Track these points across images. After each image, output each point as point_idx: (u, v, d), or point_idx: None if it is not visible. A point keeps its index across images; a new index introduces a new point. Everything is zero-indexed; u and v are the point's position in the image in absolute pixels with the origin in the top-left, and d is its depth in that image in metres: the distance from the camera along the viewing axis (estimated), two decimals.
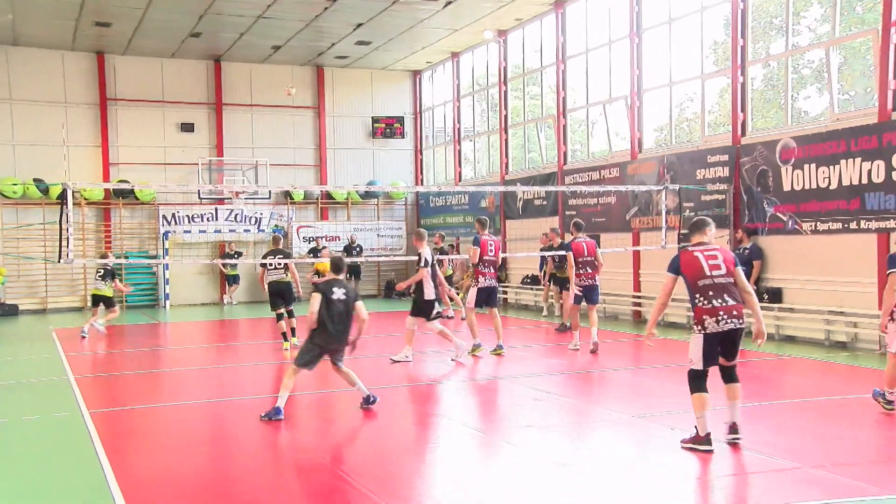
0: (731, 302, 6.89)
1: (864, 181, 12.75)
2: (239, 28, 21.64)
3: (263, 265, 13.69)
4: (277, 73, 25.80)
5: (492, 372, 11.43)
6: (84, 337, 15.67)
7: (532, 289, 21.11)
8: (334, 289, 8.46)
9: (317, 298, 8.35)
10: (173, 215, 24.37)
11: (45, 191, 22.33)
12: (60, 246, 12.10)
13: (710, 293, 6.89)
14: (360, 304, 8.55)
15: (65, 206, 12.05)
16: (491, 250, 12.49)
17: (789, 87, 15.49)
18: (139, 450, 7.62)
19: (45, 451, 7.58)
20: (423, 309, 11.91)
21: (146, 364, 13.21)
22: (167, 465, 7.02)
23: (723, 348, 6.99)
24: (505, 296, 22.11)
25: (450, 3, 19.61)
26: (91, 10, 19.69)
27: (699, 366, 6.94)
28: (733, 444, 6.95)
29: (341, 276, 8.72)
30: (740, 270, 7.07)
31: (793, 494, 5.80)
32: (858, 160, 12.85)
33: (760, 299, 14.39)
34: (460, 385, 10.82)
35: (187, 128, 24.89)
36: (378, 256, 24.78)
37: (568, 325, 15.29)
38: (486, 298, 12.58)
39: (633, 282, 17.87)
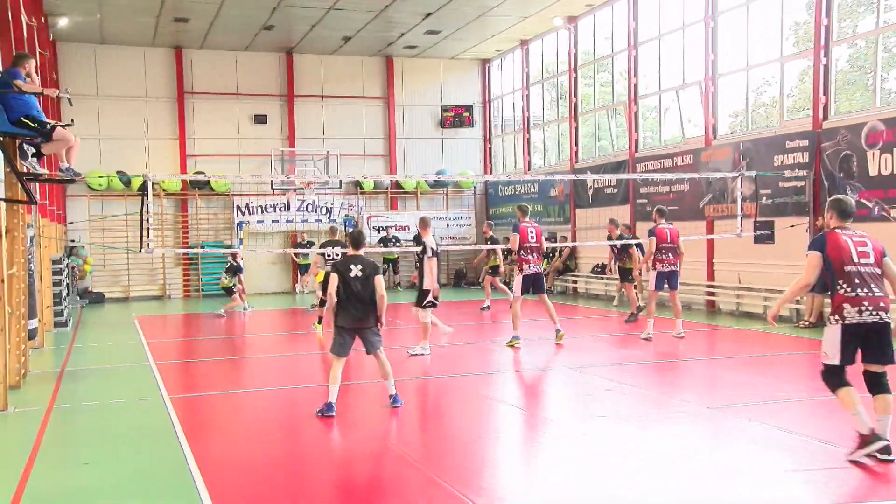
0: (878, 293, 6.21)
1: None
2: (310, 20, 21.89)
3: (321, 254, 14.04)
4: (348, 64, 26.06)
5: (562, 361, 11.33)
6: (222, 316, 17.91)
7: (602, 278, 20.83)
8: (351, 266, 8.17)
9: (332, 279, 8.17)
10: (247, 206, 24.87)
11: (128, 182, 23.02)
12: (141, 236, 12.44)
13: (856, 281, 6.19)
14: (378, 279, 8.20)
15: (145, 198, 12.38)
16: (532, 237, 12.31)
17: (878, 67, 14.80)
18: (216, 434, 7.79)
19: (130, 433, 7.81)
20: (421, 296, 11.62)
21: (222, 352, 13.51)
22: (243, 449, 7.15)
23: (866, 348, 6.21)
24: (575, 285, 21.89)
25: None
26: (170, 6, 20.18)
27: (835, 360, 6.20)
28: (889, 461, 6.02)
29: (360, 252, 8.34)
30: (890, 261, 6.36)
31: (869, 491, 5.58)
32: None
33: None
34: (529, 374, 10.75)
35: (260, 119, 25.33)
36: (448, 245, 24.81)
37: (636, 314, 15.08)
38: (533, 285, 12.39)
39: (706, 271, 17.47)
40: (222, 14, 20.90)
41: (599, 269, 21.20)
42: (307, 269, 24.73)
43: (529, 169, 25.61)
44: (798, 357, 11.43)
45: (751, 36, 16.75)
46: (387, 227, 25.61)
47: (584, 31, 22.67)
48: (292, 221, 25.23)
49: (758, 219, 15.84)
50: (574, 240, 21.86)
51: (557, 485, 5.99)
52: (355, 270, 8.15)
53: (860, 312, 6.15)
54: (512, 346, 12.16)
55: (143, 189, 12.67)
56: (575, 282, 21.91)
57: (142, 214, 12.41)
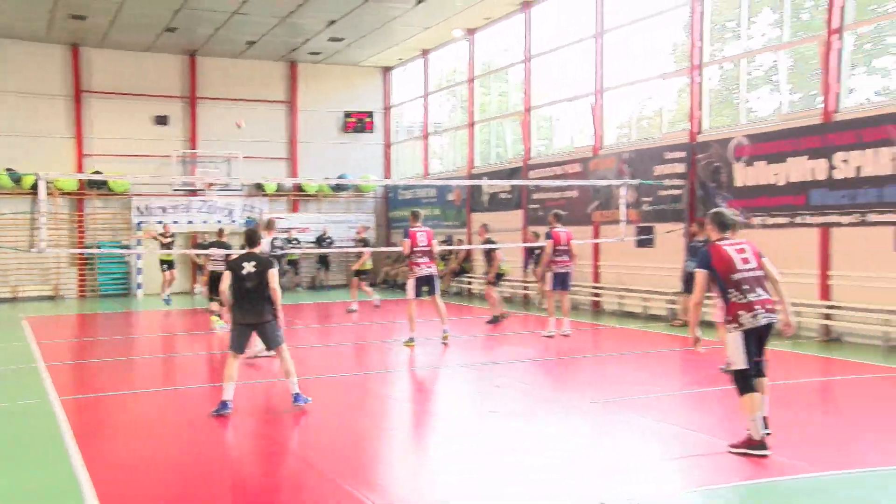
0: (765, 295, 6.57)
1: (809, 178, 13.04)
2: (214, 23, 21.48)
3: (207, 255, 14.53)
4: (252, 68, 25.68)
5: (456, 360, 11.53)
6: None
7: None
8: (244, 263, 8.17)
9: (225, 277, 8.26)
10: (147, 206, 24.19)
11: (18, 180, 22.03)
12: (32, 235, 11.95)
13: (745, 287, 6.51)
14: (271, 273, 8.14)
15: (37, 197, 11.90)
16: (423, 241, 12.28)
17: (743, 88, 15.73)
18: (108, 436, 7.61)
19: (12, 438, 7.52)
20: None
21: (116, 352, 13.12)
22: (135, 451, 7.02)
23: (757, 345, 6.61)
24: (470, 286, 22.23)
25: (421, 1, 19.61)
26: (66, 2, 19.44)
27: (742, 365, 6.47)
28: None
29: (256, 250, 8.38)
30: (767, 260, 6.75)
31: (731, 474, 5.96)
32: (804, 158, 13.13)
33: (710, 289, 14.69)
34: (424, 373, 10.91)
35: (161, 120, 24.65)
36: (348, 247, 24.76)
37: (498, 317, 15.33)
38: (426, 287, 12.35)
39: (592, 273, 18.07)
40: (123, 13, 20.27)
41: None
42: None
43: (429, 174, 25.86)
44: (672, 354, 12.01)
45: (635, 53, 17.47)
46: (289, 228, 25.35)
47: (482, 43, 23.07)
48: (193, 222, 24.68)
49: (640, 224, 16.51)
50: (470, 243, 22.19)
51: (452, 481, 6.14)
52: (248, 267, 8.13)
53: (755, 316, 6.47)
54: (408, 345, 12.23)
55: (35, 188, 12.19)
56: (470, 283, 22.24)
57: (33, 213, 11.93)
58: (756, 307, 6.48)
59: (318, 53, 25.24)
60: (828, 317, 12.78)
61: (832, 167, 12.67)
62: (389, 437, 7.61)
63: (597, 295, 17.91)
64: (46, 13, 20.31)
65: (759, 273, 6.63)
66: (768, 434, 6.48)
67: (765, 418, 6.53)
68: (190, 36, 22.82)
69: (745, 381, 6.47)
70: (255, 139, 25.62)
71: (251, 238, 8.47)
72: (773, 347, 11.84)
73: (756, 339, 6.55)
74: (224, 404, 7.95)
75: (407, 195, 26.63)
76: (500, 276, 16.06)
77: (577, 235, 16.58)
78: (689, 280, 14.90)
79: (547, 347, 12.32)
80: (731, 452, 6.44)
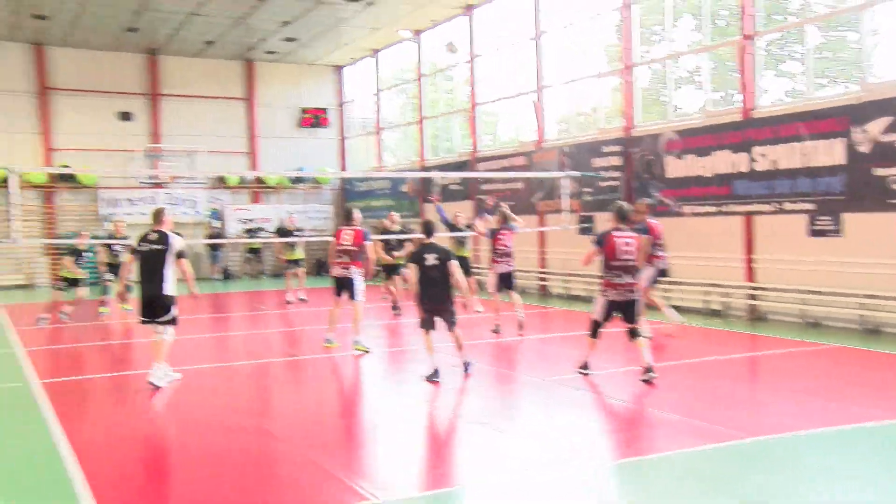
0: (629, 280, 8.02)
1: (733, 170, 13.37)
2: (173, 24, 20.95)
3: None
4: (211, 66, 25.19)
5: (416, 343, 11.53)
6: None
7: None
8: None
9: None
10: (114, 198, 23.58)
11: None
12: (10, 227, 11.55)
13: (617, 271, 8.01)
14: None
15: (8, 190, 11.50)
16: (346, 240, 10.62)
17: (670, 87, 16.03)
18: (90, 416, 7.44)
19: None
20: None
21: (94, 337, 12.78)
22: (115, 430, 6.88)
23: (624, 315, 8.15)
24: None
25: (370, 4, 19.43)
26: (27, 3, 18.72)
27: (598, 318, 8.29)
28: (650, 382, 7.86)
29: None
30: (641, 254, 8.17)
31: (671, 442, 6.13)
32: (728, 152, 13.45)
33: None
34: (385, 355, 10.90)
35: (126, 116, 24.02)
36: (307, 237, 24.50)
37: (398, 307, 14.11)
38: (342, 288, 10.67)
39: (538, 258, 18.25)
40: (85, 14, 19.63)
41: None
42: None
43: (382, 166, 25.73)
44: (614, 334, 12.18)
45: (573, 54, 17.63)
46: (250, 219, 25.03)
47: (428, 43, 22.97)
48: None
49: (581, 213, 16.71)
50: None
51: (411, 451, 6.17)
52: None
53: (617, 294, 8.09)
54: (326, 346, 10.72)
55: (5, 181, 11.77)
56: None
57: (9, 206, 11.51)
58: (620, 288, 8.04)
59: (273, 52, 24.83)
60: (753, 297, 13.16)
61: (752, 160, 13.01)
62: (352, 413, 7.61)
63: (543, 279, 18.10)
64: (9, 14, 19.54)
65: (631, 262, 8.00)
66: (654, 377, 7.86)
67: (649, 367, 7.92)
68: (151, 36, 22.21)
69: (594, 329, 8.33)
70: (217, 134, 25.17)
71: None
72: (706, 326, 12.26)
73: (618, 309, 8.12)
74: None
75: (362, 187, 26.45)
76: (393, 268, 14.44)
77: (526, 224, 16.77)
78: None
79: (501, 332, 12.41)
80: (577, 372, 8.34)
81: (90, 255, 14.61)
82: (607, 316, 8.21)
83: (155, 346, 8.18)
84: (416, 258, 8.49)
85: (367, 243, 10.72)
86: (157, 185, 24.15)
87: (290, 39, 23.09)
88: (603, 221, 15.92)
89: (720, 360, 9.69)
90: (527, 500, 4.96)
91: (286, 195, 26.61)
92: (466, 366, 8.57)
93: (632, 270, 8.02)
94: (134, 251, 8.23)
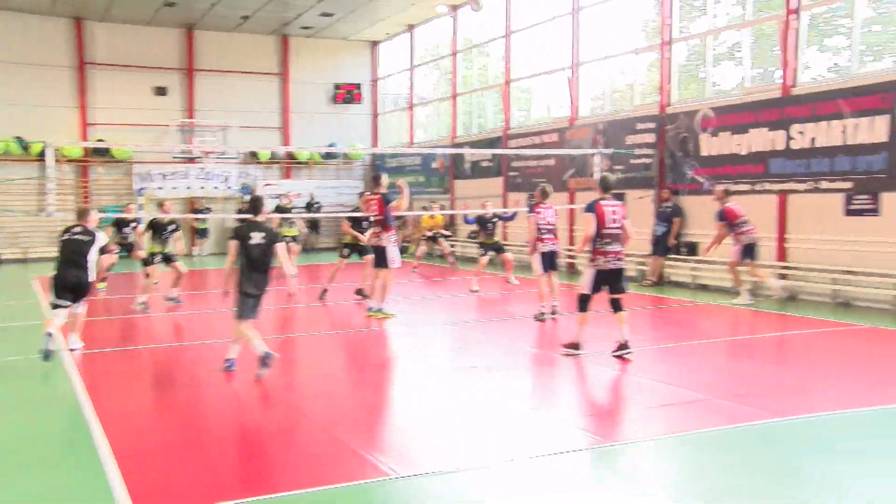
0: (618, 248, 8.15)
1: (769, 148, 13.05)
2: None
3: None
4: (247, 42, 25.28)
5: (440, 318, 11.52)
6: None
7: (476, 243, 21.26)
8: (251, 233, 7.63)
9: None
10: (148, 173, 23.88)
11: (26, 148, 21.63)
12: (42, 200, 11.77)
13: (607, 240, 8.09)
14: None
15: (45, 163, 11.70)
16: (372, 208, 11.02)
17: (709, 63, 15.65)
18: (117, 389, 7.57)
19: (28, 388, 7.48)
20: None
21: (122, 310, 12.99)
22: (143, 403, 7.00)
23: (611, 285, 8.19)
24: (454, 249, 22.19)
25: None
26: None
27: (588, 291, 8.26)
28: (624, 358, 7.96)
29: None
30: (627, 222, 8.27)
31: (700, 421, 6.03)
32: (765, 130, 13.13)
33: (678, 252, 14.77)
34: (409, 329, 10.89)
35: (161, 91, 24.25)
36: (338, 213, 24.60)
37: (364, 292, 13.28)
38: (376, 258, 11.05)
39: (568, 236, 18.08)
40: None
41: (474, 235, 21.54)
42: (204, 234, 24.21)
43: (414, 143, 25.66)
44: (643, 312, 12.06)
45: (609, 30, 17.30)
46: (280, 194, 25.11)
47: (464, 18, 22.75)
48: (191, 188, 24.42)
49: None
50: (452, 208, 22.10)
51: (435, 425, 6.16)
52: (257, 238, 7.73)
53: (607, 262, 8.08)
54: (377, 317, 10.96)
55: (42, 155, 11.96)
56: (453, 246, 22.19)
57: (41, 179, 11.73)
58: (609, 256, 8.08)
59: (309, 28, 24.81)
60: (784, 277, 12.89)
61: (790, 138, 12.68)
62: (380, 390, 7.63)
63: (572, 258, 17.93)
64: None
65: (618, 231, 8.13)
66: (630, 352, 7.96)
67: (626, 343, 8.01)
68: (188, 10, 22.33)
69: (584, 303, 8.26)
70: (250, 110, 25.30)
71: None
72: (734, 306, 12.04)
73: (606, 281, 8.13)
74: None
75: (393, 163, 26.43)
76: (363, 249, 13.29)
77: (556, 201, 16.59)
78: (657, 243, 15.03)
79: (515, 308, 12.33)
80: (562, 350, 8.29)
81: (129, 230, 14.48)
82: (597, 287, 8.20)
83: (74, 319, 8.81)
84: (240, 235, 7.60)
85: (389, 205, 10.90)
86: (190, 161, 24.40)
87: (326, 14, 23.03)
88: (632, 200, 15.70)
89: (747, 340, 9.51)
90: (552, 479, 4.90)
91: (317, 170, 26.71)
92: (264, 359, 7.39)
93: (619, 239, 8.17)
94: (61, 240, 8.82)
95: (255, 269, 7.58)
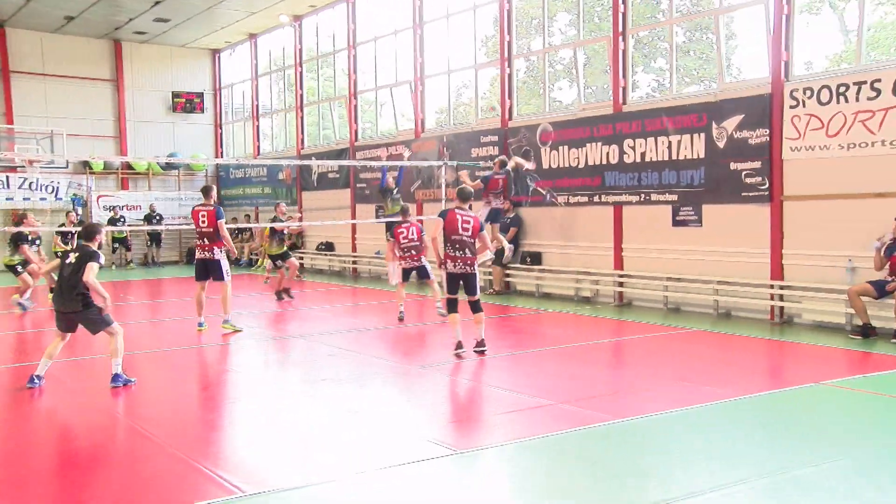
0: (468, 255, 8.74)
1: (604, 162, 13.80)
2: None
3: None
4: (73, 44, 23.60)
5: (291, 331, 11.24)
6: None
7: (326, 254, 21.06)
8: (70, 255, 7.50)
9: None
10: None
11: None
12: None
13: (457, 246, 8.70)
14: (89, 266, 7.36)
15: None
16: (202, 221, 10.67)
17: (546, 80, 16.36)
18: None
19: None
20: None
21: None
22: None
23: (465, 287, 8.80)
24: (302, 261, 21.80)
25: None
26: None
27: (446, 294, 9.00)
28: (481, 353, 8.78)
29: (92, 243, 7.63)
30: (484, 234, 8.91)
31: (546, 426, 6.21)
32: (599, 144, 13.87)
33: (523, 261, 15.27)
34: (259, 343, 10.55)
35: None
36: (180, 225, 23.50)
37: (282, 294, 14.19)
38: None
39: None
40: None
41: (324, 247, 21.33)
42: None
43: (259, 154, 24.99)
44: (489, 321, 12.30)
45: (452, 44, 17.66)
46: (114, 206, 23.65)
47: (308, 29, 22.46)
48: (13, 199, 22.44)
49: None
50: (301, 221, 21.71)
51: (283, 442, 5.96)
52: (72, 257, 7.51)
53: (455, 266, 8.75)
54: (200, 331, 10.82)
55: None
56: (302, 258, 21.80)
57: None
58: (458, 261, 8.72)
59: (143, 33, 23.58)
60: (621, 284, 13.63)
61: (622, 153, 13.46)
62: (225, 407, 7.30)
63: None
64: None
65: (470, 240, 8.72)
66: (484, 350, 8.81)
67: (482, 340, 8.83)
68: None
69: (451, 304, 8.94)
70: (80, 117, 23.67)
71: (89, 233, 7.70)
72: (576, 313, 12.59)
73: (458, 282, 8.80)
74: (32, 378, 7.56)
75: (238, 174, 25.62)
76: (282, 256, 14.68)
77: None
78: (499, 253, 15.44)
79: (376, 319, 12.28)
80: (454, 354, 8.69)
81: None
82: (453, 289, 8.86)
83: None
84: (62, 257, 7.60)
85: (220, 221, 10.51)
86: (12, 169, 22.43)
87: (161, 20, 21.97)
88: (478, 210, 16.08)
89: (588, 346, 9.96)
90: (401, 490, 4.86)
91: (157, 181, 25.40)
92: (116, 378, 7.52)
93: (469, 246, 8.72)
94: None
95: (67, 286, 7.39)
